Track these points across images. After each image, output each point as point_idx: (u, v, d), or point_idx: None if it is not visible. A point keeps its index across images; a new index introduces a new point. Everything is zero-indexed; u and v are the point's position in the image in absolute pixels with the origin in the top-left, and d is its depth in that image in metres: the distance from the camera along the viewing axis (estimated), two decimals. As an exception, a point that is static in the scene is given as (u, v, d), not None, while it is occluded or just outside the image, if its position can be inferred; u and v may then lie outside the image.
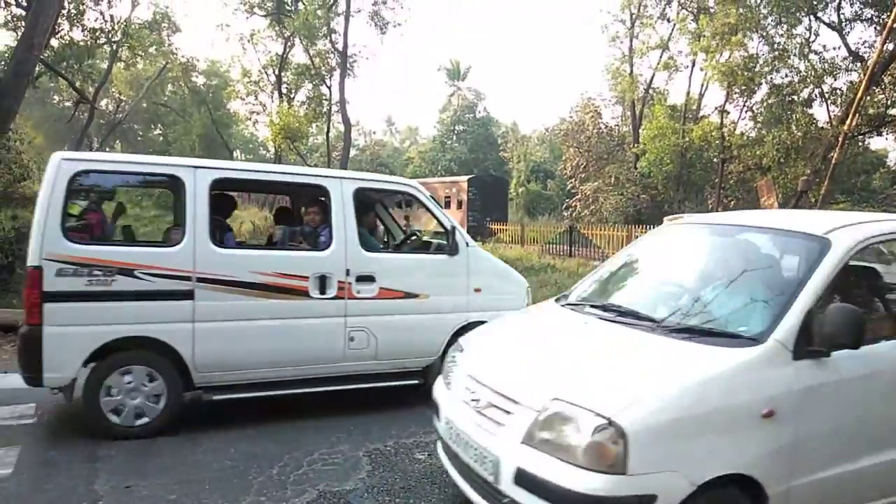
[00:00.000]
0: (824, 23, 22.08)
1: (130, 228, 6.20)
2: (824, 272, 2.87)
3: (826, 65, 22.42)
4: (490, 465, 2.73)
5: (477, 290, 5.47)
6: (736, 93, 24.37)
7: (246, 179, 5.52)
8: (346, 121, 27.61)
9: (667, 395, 2.50)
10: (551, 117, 61.04)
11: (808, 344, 2.72)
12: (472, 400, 3.00)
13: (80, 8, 19.22)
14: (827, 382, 2.76)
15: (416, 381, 5.24)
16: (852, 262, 3.15)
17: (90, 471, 3.68)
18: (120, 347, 4.30)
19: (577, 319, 3.39)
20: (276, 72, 32.54)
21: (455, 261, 5.38)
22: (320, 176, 5.32)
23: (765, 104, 24.15)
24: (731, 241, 3.65)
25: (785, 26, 22.09)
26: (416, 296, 5.20)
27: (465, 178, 30.53)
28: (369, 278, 4.99)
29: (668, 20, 26.83)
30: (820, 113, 24.23)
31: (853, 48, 21.78)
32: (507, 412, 2.77)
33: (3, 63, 16.72)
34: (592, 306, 3.50)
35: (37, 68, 12.52)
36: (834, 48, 22.72)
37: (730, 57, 22.49)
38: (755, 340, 2.72)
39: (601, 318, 3.28)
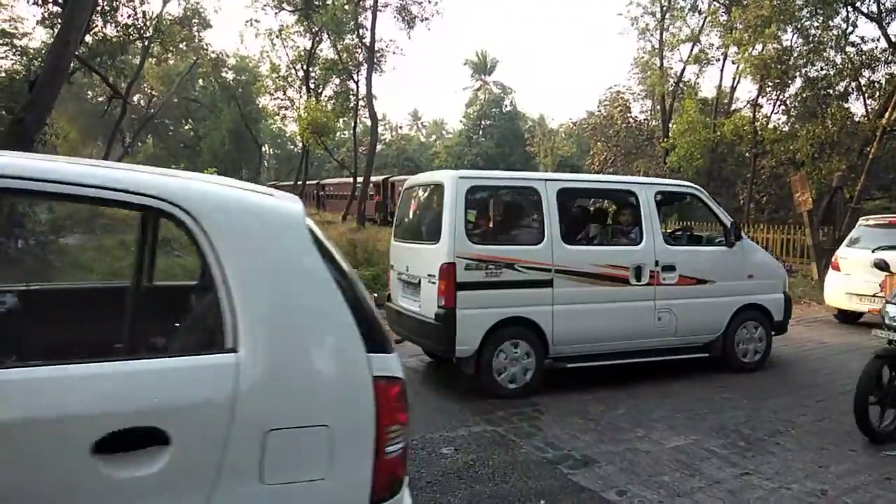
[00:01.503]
0: (863, 13, 21.42)
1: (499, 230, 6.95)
2: None
3: (864, 57, 21.77)
4: None
5: (750, 277, 6.48)
6: (769, 86, 23.82)
7: (580, 188, 6.94)
8: (372, 115, 27.66)
9: None
10: (579, 111, 60.55)
11: None
12: None
13: (114, 4, 19.56)
14: None
15: (704, 354, 6.33)
16: None
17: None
18: (504, 325, 5.40)
19: None
20: (304, 67, 32.74)
21: (732, 252, 6.43)
22: (631, 183, 6.66)
23: (799, 98, 23.55)
24: None
25: (821, 18, 21.50)
26: (705, 281, 6.24)
27: (492, 172, 30.37)
28: (671, 267, 6.03)
29: (700, 12, 26.33)
30: (856, 107, 23.52)
31: (894, 39, 21.12)
32: None
33: (39, 59, 17.09)
34: None
35: (72, 64, 12.78)
36: (873, 40, 21.91)
37: (763, 50, 21.99)
38: None
39: None
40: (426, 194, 6.36)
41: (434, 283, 5.40)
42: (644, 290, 5.92)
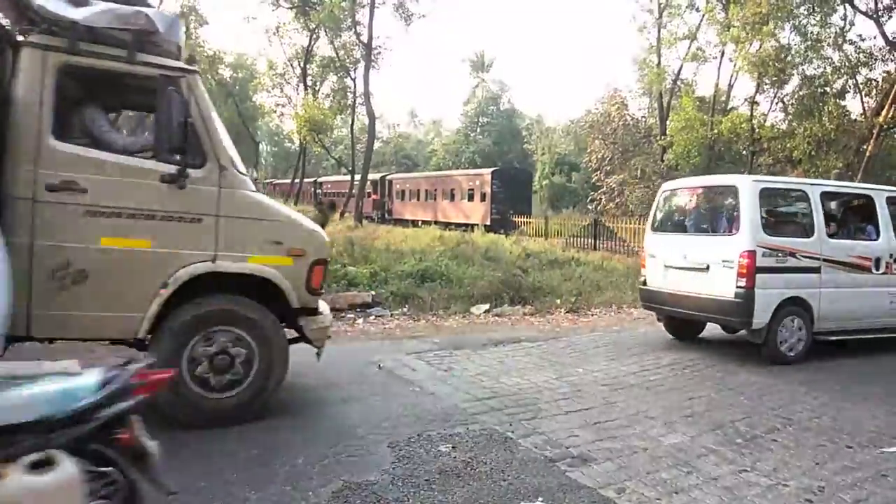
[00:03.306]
0: (860, 11, 21.46)
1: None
2: None
3: (861, 55, 21.81)
4: None
5: None
6: (766, 84, 23.88)
7: (835, 192, 8.07)
8: (370, 113, 27.62)
9: None
10: (577, 109, 60.42)
11: None
12: None
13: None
14: None
15: None
16: None
17: (120, 457, 3.73)
18: (785, 304, 6.74)
19: None
20: (302, 64, 32.68)
21: None
22: (870, 189, 8.05)
23: (796, 96, 23.61)
24: None
25: (819, 15, 21.54)
26: None
27: (489, 170, 30.41)
28: None
29: (697, 10, 26.34)
30: (853, 105, 23.56)
31: (891, 38, 21.15)
32: None
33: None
34: None
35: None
36: (870, 38, 21.94)
37: (760, 47, 22.02)
38: None
39: None
40: (710, 194, 7.85)
41: (731, 267, 6.69)
42: (882, 278, 7.33)
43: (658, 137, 28.09)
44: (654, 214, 8.16)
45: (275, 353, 4.43)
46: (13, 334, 3.89)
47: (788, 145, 21.94)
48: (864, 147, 20.00)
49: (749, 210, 6.68)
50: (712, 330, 8.78)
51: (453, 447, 4.08)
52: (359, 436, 4.23)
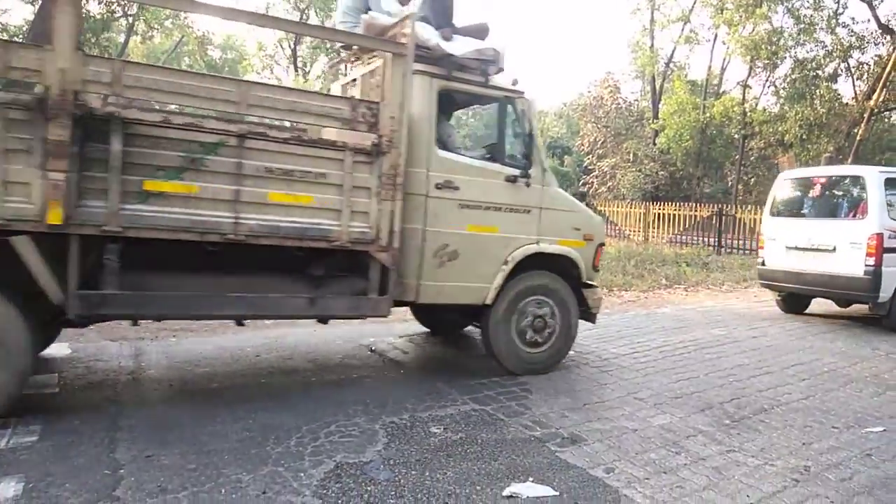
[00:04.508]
0: (853, -6, 21.39)
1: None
2: None
3: (854, 38, 21.78)
4: None
5: None
6: (759, 67, 23.85)
7: None
8: (362, 95, 27.39)
9: None
10: (569, 93, 60.15)
11: None
12: None
13: (97, -20, 19.16)
14: None
15: None
16: None
17: (112, 440, 3.74)
18: None
19: None
20: (292, 46, 32.32)
21: None
22: None
23: (788, 79, 23.59)
24: None
25: (812, -2, 21.46)
26: None
27: (482, 154, 30.21)
28: None
29: (691, -8, 26.16)
30: (845, 88, 23.60)
31: (883, 21, 21.13)
32: None
33: (20, 36, 16.75)
34: None
35: (54, 41, 12.51)
36: (863, 21, 21.90)
37: (753, 30, 21.96)
38: None
39: None
40: (833, 182, 8.52)
41: (860, 248, 7.57)
42: None
43: (650, 121, 28.05)
44: (773, 201, 8.93)
45: (572, 319, 5.54)
46: (404, 300, 4.94)
47: (780, 129, 21.96)
48: (856, 130, 20.07)
49: (876, 197, 7.61)
50: (694, 314, 8.83)
51: (444, 428, 4.11)
52: (351, 417, 4.25)
